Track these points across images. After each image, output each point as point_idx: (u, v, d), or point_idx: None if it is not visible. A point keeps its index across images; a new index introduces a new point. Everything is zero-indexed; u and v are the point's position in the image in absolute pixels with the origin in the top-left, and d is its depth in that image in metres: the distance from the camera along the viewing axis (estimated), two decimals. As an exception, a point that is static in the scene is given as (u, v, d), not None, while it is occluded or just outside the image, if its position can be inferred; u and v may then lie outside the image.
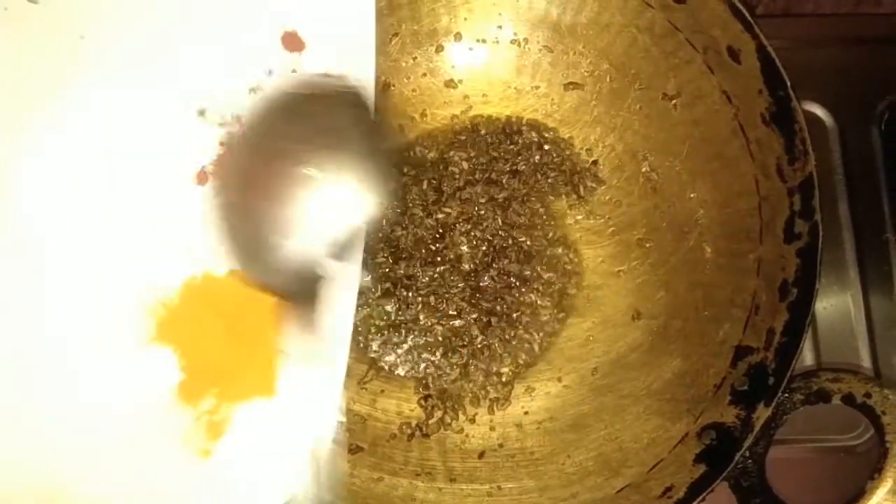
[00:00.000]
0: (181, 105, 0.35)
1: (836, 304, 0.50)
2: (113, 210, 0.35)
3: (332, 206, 0.32)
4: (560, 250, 0.47)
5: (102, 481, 0.32)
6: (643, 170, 0.47)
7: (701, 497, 0.38)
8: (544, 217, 0.48)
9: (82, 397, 0.33)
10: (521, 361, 0.46)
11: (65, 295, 0.34)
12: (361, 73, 0.36)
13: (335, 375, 0.35)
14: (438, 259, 0.46)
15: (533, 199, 0.48)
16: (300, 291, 0.33)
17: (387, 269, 0.46)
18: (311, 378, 0.34)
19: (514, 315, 0.46)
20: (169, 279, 0.34)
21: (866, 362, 0.49)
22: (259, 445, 0.34)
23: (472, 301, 0.46)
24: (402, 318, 0.46)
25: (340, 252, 0.33)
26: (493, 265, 0.46)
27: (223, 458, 0.33)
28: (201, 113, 0.36)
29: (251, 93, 0.35)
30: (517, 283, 0.46)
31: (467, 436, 0.45)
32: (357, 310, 0.45)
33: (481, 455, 0.44)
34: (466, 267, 0.46)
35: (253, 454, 0.34)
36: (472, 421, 0.45)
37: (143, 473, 0.32)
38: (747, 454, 0.38)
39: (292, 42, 0.36)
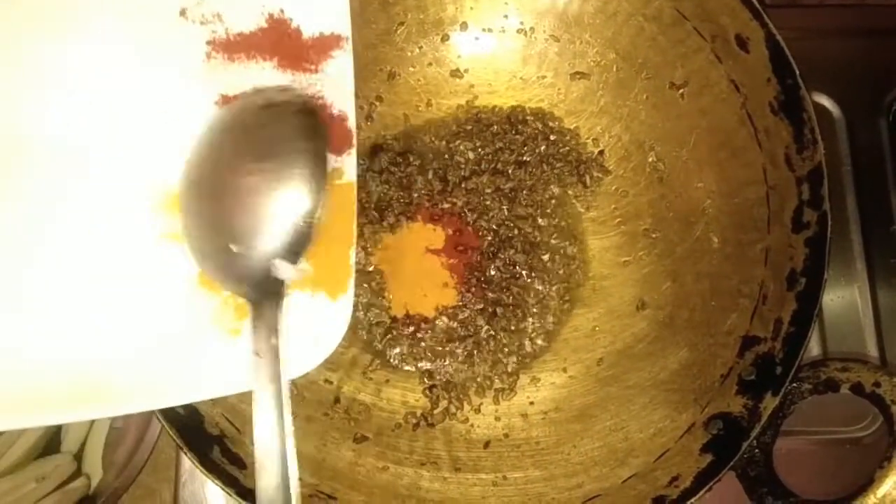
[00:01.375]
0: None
1: (843, 295, 0.50)
2: (117, 110, 0.35)
3: (279, 210, 0.34)
4: (566, 241, 0.47)
5: (139, 372, 0.33)
6: (650, 160, 0.47)
7: (708, 487, 0.37)
8: (550, 207, 0.48)
9: (106, 294, 0.34)
10: (526, 352, 0.46)
11: (80, 196, 0.34)
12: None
13: None
14: (444, 249, 0.46)
15: (539, 189, 0.48)
16: (263, 296, 0.34)
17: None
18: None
19: (520, 305, 0.46)
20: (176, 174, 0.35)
21: (873, 353, 0.49)
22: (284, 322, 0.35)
23: (478, 291, 0.46)
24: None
25: (291, 252, 0.34)
26: (499, 255, 0.46)
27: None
28: (182, 13, 0.36)
29: None
30: (523, 274, 0.46)
31: (472, 426, 0.44)
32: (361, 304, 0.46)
33: (486, 445, 0.44)
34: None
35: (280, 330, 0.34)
36: (478, 411, 0.45)
37: (177, 359, 0.34)
38: (755, 444, 0.38)
39: None
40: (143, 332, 0.34)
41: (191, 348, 0.34)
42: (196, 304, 0.34)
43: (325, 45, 0.37)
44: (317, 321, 0.34)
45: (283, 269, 0.34)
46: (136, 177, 0.35)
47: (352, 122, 0.36)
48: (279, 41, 0.36)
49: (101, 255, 0.34)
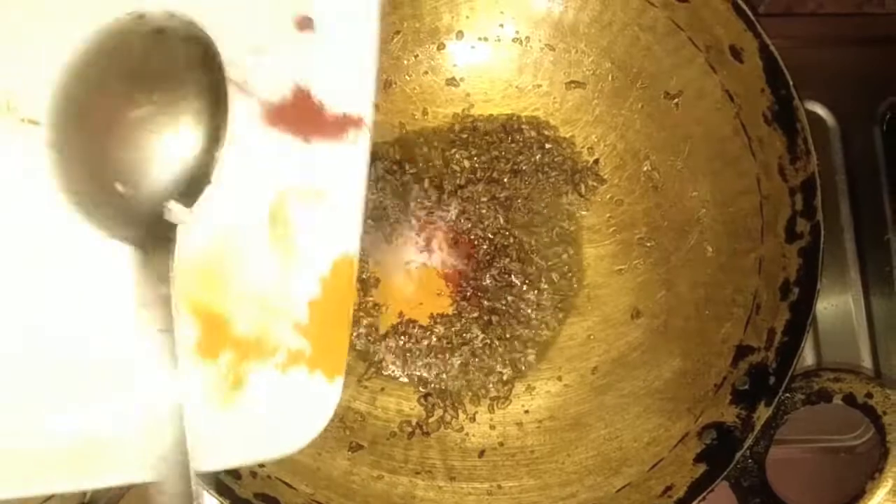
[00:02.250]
0: None
1: (837, 304, 0.50)
2: None
3: (171, 147, 0.31)
4: (561, 249, 0.47)
5: (131, 434, 0.31)
6: (644, 169, 0.47)
7: (701, 496, 0.37)
8: (545, 216, 0.48)
9: (92, 353, 0.31)
10: (521, 360, 0.46)
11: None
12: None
13: None
14: (439, 257, 0.46)
15: (534, 198, 0.48)
16: (151, 240, 0.31)
17: (387, 267, 0.46)
18: None
19: (515, 314, 0.46)
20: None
21: (867, 363, 0.49)
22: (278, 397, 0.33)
23: (473, 300, 0.46)
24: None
25: (186, 194, 0.31)
26: (494, 264, 0.46)
27: (246, 405, 0.33)
28: None
29: None
30: (518, 282, 0.46)
31: (467, 434, 0.45)
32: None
33: (481, 454, 0.44)
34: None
35: (273, 403, 0.34)
36: (473, 419, 0.45)
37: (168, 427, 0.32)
38: (748, 454, 0.38)
39: None
40: (132, 401, 0.32)
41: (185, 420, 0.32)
42: (189, 375, 0.32)
43: (345, 123, 0.35)
44: (308, 401, 0.33)
45: (178, 213, 0.31)
46: None
47: (359, 204, 0.34)
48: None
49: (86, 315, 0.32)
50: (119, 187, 0.30)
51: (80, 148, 0.31)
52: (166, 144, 0.31)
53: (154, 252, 0.31)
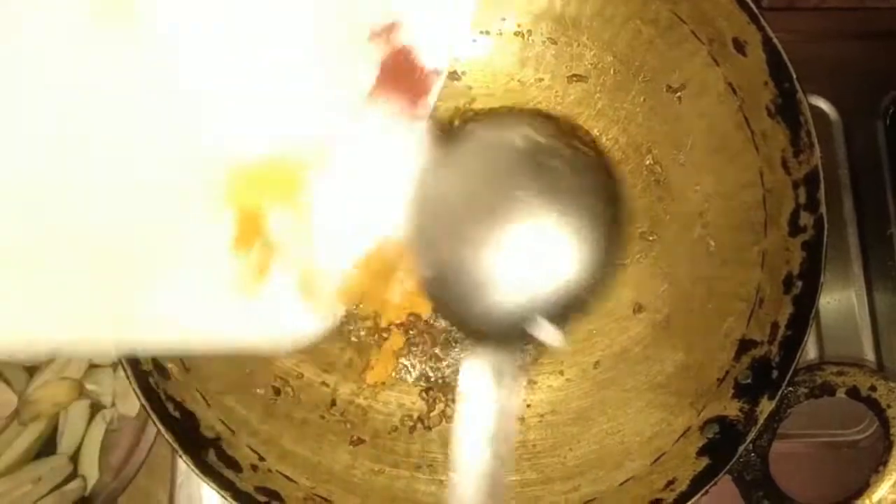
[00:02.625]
0: None
1: (839, 298, 0.50)
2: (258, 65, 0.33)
3: (557, 266, 0.30)
4: (563, 243, 0.47)
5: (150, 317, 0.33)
6: (647, 163, 0.47)
7: (704, 490, 0.37)
8: (547, 210, 0.48)
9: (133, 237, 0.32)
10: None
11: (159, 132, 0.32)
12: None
13: None
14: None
15: (536, 191, 0.48)
16: (500, 339, 0.31)
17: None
18: None
19: (517, 308, 0.46)
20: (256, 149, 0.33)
21: (870, 357, 0.49)
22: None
23: (475, 293, 0.46)
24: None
25: (560, 317, 0.30)
26: (496, 258, 0.46)
27: (269, 295, 0.34)
28: None
29: None
30: (520, 276, 0.46)
31: (469, 428, 0.44)
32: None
33: (483, 448, 0.44)
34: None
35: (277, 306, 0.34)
36: (474, 414, 0.45)
37: (192, 311, 0.33)
38: (751, 447, 0.38)
39: None
40: (163, 280, 0.33)
41: (207, 304, 0.33)
42: (219, 265, 0.33)
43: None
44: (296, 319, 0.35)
45: (545, 331, 0.30)
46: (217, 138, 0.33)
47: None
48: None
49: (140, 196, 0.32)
50: (496, 293, 0.30)
51: (460, 244, 0.30)
52: (558, 263, 0.30)
53: (503, 352, 0.30)
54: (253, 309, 0.34)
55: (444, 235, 0.30)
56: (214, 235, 0.33)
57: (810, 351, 0.49)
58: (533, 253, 0.30)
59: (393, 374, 0.45)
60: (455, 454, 0.29)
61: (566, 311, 0.30)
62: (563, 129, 0.34)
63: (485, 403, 0.29)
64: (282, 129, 0.34)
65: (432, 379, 0.45)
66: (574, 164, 0.31)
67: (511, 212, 0.30)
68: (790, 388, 0.38)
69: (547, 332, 0.30)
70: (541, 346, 0.33)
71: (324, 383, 0.44)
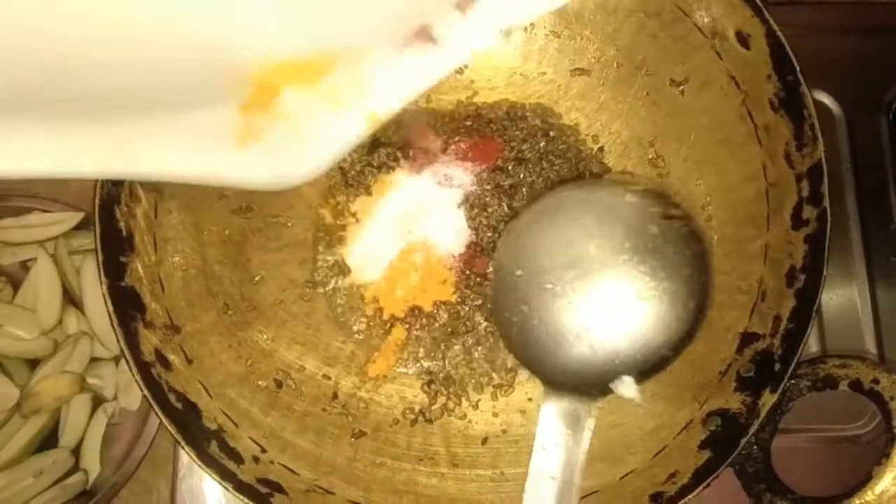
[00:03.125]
0: None
1: (842, 293, 0.50)
2: None
3: (645, 328, 0.31)
4: (565, 237, 0.47)
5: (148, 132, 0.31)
6: (649, 156, 0.47)
7: (706, 483, 0.37)
8: (550, 204, 0.48)
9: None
10: (525, 348, 0.46)
11: None
12: None
13: None
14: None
15: (538, 185, 0.48)
16: (580, 395, 0.31)
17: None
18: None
19: (519, 302, 0.46)
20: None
21: (872, 351, 0.49)
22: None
23: (476, 287, 0.46)
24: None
25: (642, 374, 0.31)
26: (498, 251, 0.46)
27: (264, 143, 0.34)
28: None
29: None
30: (522, 270, 0.46)
31: (470, 422, 0.44)
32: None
33: (484, 441, 0.44)
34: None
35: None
36: (476, 407, 0.45)
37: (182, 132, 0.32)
38: (753, 440, 0.38)
39: None
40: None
41: (208, 145, 0.33)
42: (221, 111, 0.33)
43: None
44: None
45: (627, 387, 0.31)
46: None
47: None
48: None
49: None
50: (584, 347, 0.30)
51: (551, 296, 0.31)
52: (648, 323, 0.31)
53: (577, 402, 0.31)
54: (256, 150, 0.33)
55: (529, 287, 0.31)
56: (226, 95, 0.32)
57: (812, 345, 0.49)
58: (623, 312, 0.31)
59: (395, 367, 0.45)
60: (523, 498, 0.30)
61: (648, 370, 0.32)
62: (660, 197, 0.35)
63: (555, 449, 0.30)
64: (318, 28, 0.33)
65: (434, 372, 0.45)
66: (669, 231, 0.32)
67: (606, 269, 0.31)
68: (792, 381, 0.38)
69: (627, 388, 0.31)
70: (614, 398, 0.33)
71: (326, 376, 0.44)
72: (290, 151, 0.35)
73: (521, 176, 0.48)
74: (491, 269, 0.45)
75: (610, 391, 0.31)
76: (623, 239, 0.31)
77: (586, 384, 0.31)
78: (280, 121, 0.34)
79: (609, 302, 0.31)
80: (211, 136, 0.33)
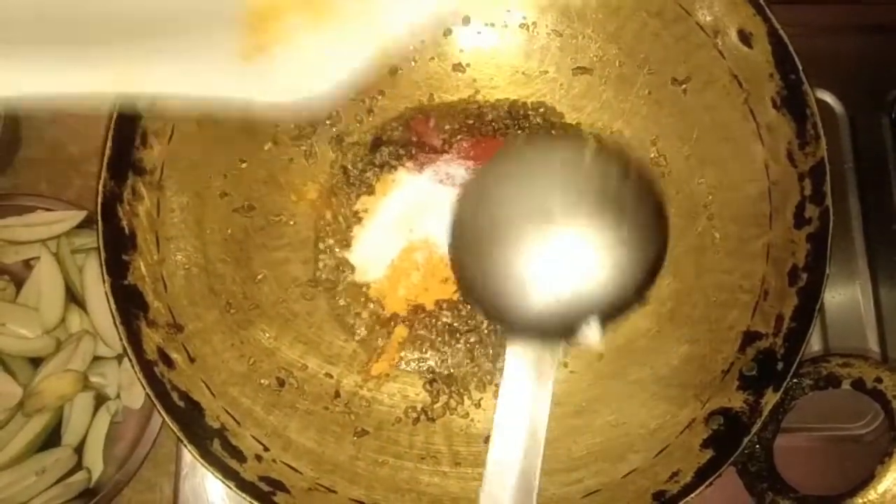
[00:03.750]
0: None
1: (844, 292, 0.50)
2: None
3: (606, 272, 0.31)
4: (567, 236, 0.47)
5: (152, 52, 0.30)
6: (651, 155, 0.47)
7: (708, 482, 0.37)
8: (552, 203, 0.48)
9: None
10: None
11: None
12: None
13: None
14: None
15: (540, 184, 0.48)
16: (542, 335, 0.31)
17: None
18: None
19: (521, 301, 0.46)
20: None
21: (874, 350, 0.49)
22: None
23: (479, 286, 0.46)
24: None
25: (608, 317, 0.31)
26: (500, 250, 0.46)
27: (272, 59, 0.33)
28: None
29: None
30: (524, 269, 0.46)
31: (472, 420, 0.44)
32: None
33: (487, 439, 0.43)
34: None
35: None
36: (478, 405, 0.45)
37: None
38: (755, 439, 0.38)
39: None
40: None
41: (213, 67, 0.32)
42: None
43: None
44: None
45: (591, 331, 0.31)
46: None
47: None
48: None
49: None
50: (547, 291, 0.30)
51: (507, 248, 0.31)
52: (608, 264, 0.31)
53: (542, 349, 0.31)
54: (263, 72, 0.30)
55: (493, 237, 0.31)
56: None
57: (815, 344, 0.49)
58: (584, 259, 0.31)
59: (397, 365, 0.45)
60: (489, 447, 0.30)
61: (612, 313, 0.32)
62: (617, 150, 0.36)
63: (521, 397, 0.30)
64: None
65: (436, 371, 0.45)
66: (625, 183, 0.32)
67: (567, 219, 0.31)
68: (795, 380, 0.38)
69: (592, 332, 0.31)
70: (576, 345, 0.35)
71: (328, 374, 0.45)
72: (298, 65, 0.33)
73: (524, 175, 0.48)
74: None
75: (573, 336, 0.32)
76: (583, 190, 0.32)
77: (550, 329, 0.31)
78: (286, 37, 0.33)
79: (571, 250, 0.31)
80: (217, 53, 0.33)
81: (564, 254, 0.31)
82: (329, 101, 0.32)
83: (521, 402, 0.30)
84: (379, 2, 0.34)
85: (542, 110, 0.49)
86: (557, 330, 0.31)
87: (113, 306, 0.38)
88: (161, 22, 0.31)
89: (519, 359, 0.31)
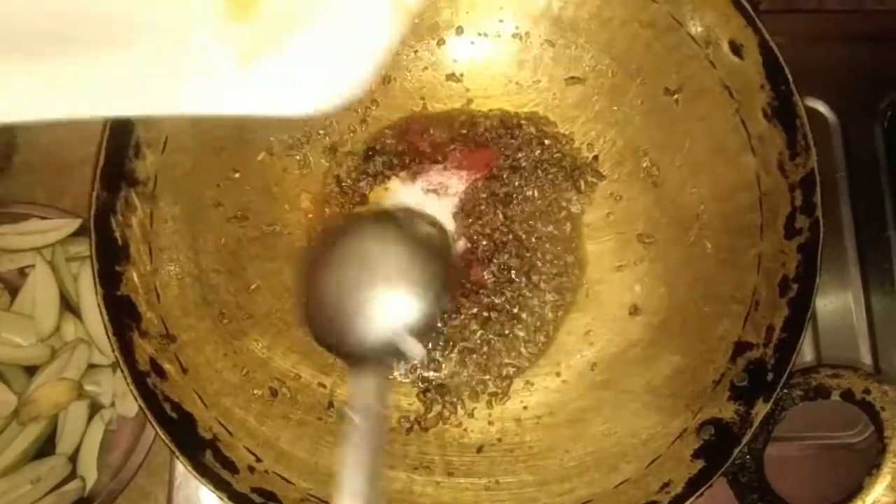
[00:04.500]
0: None
1: (836, 301, 0.50)
2: None
3: (409, 303, 0.39)
4: (560, 245, 0.47)
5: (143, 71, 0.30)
6: (644, 165, 0.47)
7: (699, 492, 0.37)
8: (544, 212, 0.48)
9: None
10: (520, 356, 0.46)
11: None
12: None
13: None
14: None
15: (533, 194, 0.48)
16: (372, 360, 0.38)
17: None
18: None
19: (513, 310, 0.46)
20: None
21: (867, 359, 0.49)
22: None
23: (471, 295, 0.46)
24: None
25: (421, 334, 0.39)
26: (493, 260, 0.46)
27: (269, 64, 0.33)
28: None
29: None
30: (517, 279, 0.46)
31: (466, 430, 0.45)
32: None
33: (479, 449, 0.44)
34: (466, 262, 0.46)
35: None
36: (471, 415, 0.45)
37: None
38: (746, 450, 0.38)
39: None
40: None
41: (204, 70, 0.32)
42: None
43: None
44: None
45: (409, 344, 0.38)
46: None
47: None
48: None
49: None
50: (367, 330, 0.38)
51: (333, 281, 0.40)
52: (409, 298, 0.40)
53: (370, 370, 0.38)
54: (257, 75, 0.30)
55: (329, 299, 0.40)
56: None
57: (808, 354, 0.49)
58: (392, 299, 0.39)
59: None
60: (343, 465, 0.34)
61: (421, 331, 0.39)
62: (420, 215, 0.46)
63: (366, 421, 0.35)
64: None
65: (430, 380, 0.45)
66: (420, 240, 0.42)
67: (381, 275, 0.40)
68: (785, 391, 0.38)
69: (410, 345, 0.38)
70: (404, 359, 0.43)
71: (321, 384, 0.45)
72: (293, 77, 0.33)
73: (516, 184, 0.48)
74: (473, 277, 0.48)
75: (401, 354, 0.39)
76: (387, 252, 0.41)
77: (380, 351, 0.39)
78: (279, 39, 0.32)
79: (382, 296, 0.40)
80: (210, 57, 0.32)
81: (377, 299, 0.39)
82: (324, 112, 0.32)
83: (366, 423, 0.36)
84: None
85: (535, 120, 0.49)
86: (386, 351, 0.39)
87: (105, 317, 0.38)
88: (138, 31, 0.31)
89: (360, 385, 0.37)
